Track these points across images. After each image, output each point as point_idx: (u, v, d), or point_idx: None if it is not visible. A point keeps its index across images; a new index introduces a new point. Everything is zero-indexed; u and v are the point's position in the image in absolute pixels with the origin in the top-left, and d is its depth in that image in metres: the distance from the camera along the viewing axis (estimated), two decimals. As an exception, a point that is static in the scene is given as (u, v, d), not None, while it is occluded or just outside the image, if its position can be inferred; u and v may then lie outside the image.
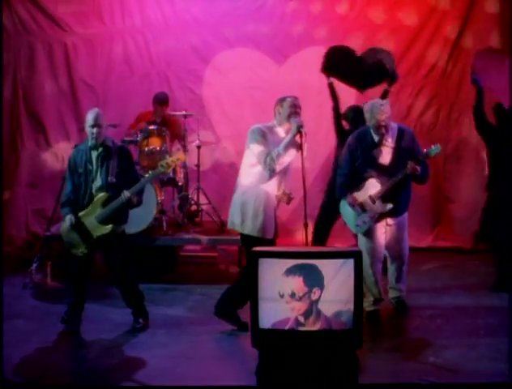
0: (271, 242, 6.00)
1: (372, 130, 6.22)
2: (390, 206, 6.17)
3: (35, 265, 7.48)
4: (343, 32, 8.91)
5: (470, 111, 8.86)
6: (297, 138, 5.84)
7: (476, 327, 6.15)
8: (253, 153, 5.89)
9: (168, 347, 5.77)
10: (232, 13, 8.96)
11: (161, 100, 8.35)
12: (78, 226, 6.03)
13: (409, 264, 6.59)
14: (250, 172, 5.94)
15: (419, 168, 6.09)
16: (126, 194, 5.95)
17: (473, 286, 7.36)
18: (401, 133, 6.27)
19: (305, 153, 5.80)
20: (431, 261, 8.31)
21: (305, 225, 5.77)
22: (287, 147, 5.84)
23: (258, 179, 5.90)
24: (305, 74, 8.92)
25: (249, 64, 9.05)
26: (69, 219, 6.02)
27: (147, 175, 6.53)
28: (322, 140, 8.67)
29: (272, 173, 5.85)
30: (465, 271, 8.00)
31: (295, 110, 5.87)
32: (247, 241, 5.98)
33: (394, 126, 6.29)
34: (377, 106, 6.15)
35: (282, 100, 5.93)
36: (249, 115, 8.91)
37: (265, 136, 5.85)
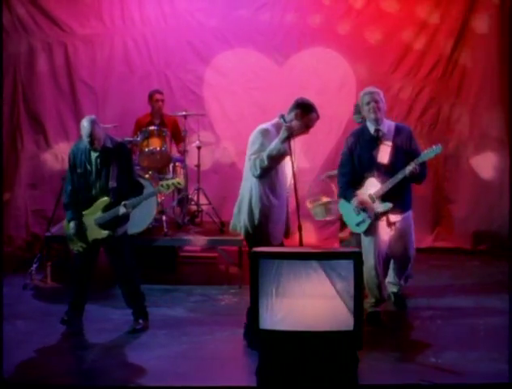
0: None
1: (367, 124, 6.23)
2: (389, 205, 6.15)
3: (35, 266, 7.49)
4: (343, 32, 8.92)
5: (470, 111, 8.94)
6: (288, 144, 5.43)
7: (476, 327, 6.15)
8: (250, 153, 5.50)
9: (168, 347, 5.76)
10: (232, 13, 8.96)
11: (158, 92, 8.36)
12: (80, 226, 6.06)
13: (413, 265, 6.57)
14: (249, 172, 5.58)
15: (418, 168, 6.08)
16: (122, 209, 5.96)
17: (473, 286, 7.36)
18: (398, 131, 6.25)
19: (294, 158, 5.44)
20: (431, 261, 8.31)
21: (299, 228, 5.37)
22: (275, 151, 5.39)
23: (256, 179, 5.51)
24: (304, 74, 8.93)
25: (249, 64, 9.04)
26: (73, 226, 6.05)
27: (146, 191, 6.42)
28: (322, 140, 8.68)
29: (260, 173, 5.44)
30: (465, 271, 8.00)
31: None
32: (248, 240, 5.68)
33: (391, 124, 6.28)
34: (364, 95, 6.18)
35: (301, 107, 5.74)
36: (249, 115, 8.91)
37: (266, 136, 5.46)
